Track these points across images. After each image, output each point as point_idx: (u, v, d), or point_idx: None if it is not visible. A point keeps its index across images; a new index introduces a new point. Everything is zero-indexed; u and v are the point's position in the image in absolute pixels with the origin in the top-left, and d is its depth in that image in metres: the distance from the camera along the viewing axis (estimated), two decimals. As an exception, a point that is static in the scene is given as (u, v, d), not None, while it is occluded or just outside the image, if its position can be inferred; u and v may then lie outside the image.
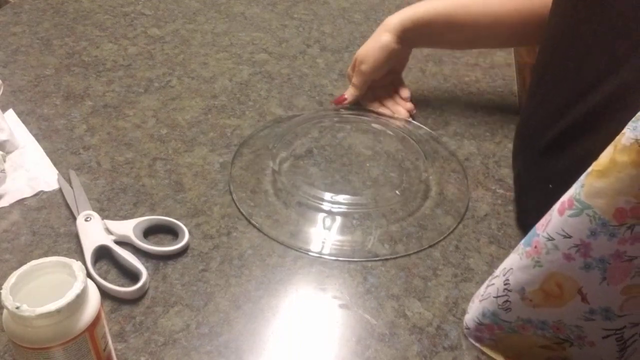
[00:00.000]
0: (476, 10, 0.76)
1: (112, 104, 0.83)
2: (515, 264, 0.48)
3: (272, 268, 0.60)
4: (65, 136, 0.76)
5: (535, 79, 0.66)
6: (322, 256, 0.61)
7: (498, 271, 0.51)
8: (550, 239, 0.43)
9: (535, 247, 0.45)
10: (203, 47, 0.97)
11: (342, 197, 0.66)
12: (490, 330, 0.51)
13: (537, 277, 0.46)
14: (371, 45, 0.78)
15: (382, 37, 0.77)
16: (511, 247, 0.63)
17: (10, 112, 0.79)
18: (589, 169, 0.41)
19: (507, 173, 0.74)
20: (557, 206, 0.44)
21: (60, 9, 1.05)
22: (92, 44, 0.96)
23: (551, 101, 0.62)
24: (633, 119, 0.38)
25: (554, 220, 0.43)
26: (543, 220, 0.45)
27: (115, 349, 0.50)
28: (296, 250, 0.62)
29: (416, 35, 0.78)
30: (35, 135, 0.75)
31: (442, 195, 0.70)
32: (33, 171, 0.70)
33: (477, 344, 0.53)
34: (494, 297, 0.50)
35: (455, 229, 0.65)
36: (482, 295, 0.52)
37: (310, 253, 0.62)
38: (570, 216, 0.42)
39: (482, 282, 0.59)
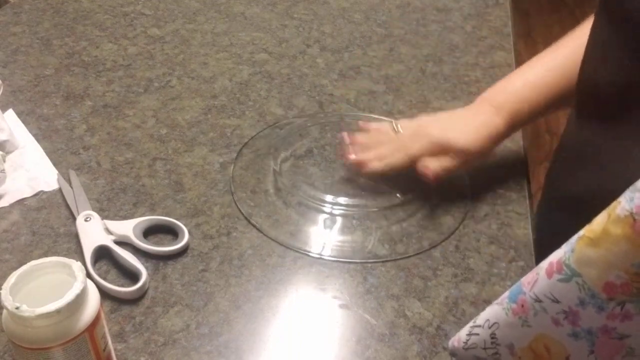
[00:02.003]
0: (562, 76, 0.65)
1: (112, 104, 0.83)
2: (501, 319, 0.46)
3: (272, 268, 0.60)
4: (65, 136, 0.76)
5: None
6: (323, 257, 0.61)
7: (480, 320, 0.48)
8: (538, 300, 0.42)
9: (522, 306, 0.43)
10: (203, 47, 0.97)
11: (342, 198, 0.66)
12: None
13: (526, 336, 0.44)
14: None
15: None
16: (511, 248, 0.63)
17: (10, 112, 0.79)
18: (581, 233, 0.39)
19: (507, 173, 0.74)
20: (544, 266, 0.42)
21: (60, 9, 1.05)
22: (92, 44, 0.96)
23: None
24: (630, 188, 0.36)
25: (541, 281, 0.42)
26: (529, 278, 0.44)
27: (115, 349, 0.50)
28: (296, 251, 0.62)
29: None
30: (35, 135, 0.75)
31: (442, 195, 0.70)
32: (33, 171, 0.70)
33: None
34: (481, 348, 0.48)
35: (456, 230, 0.65)
36: (467, 344, 0.50)
37: (310, 254, 0.62)
38: (559, 281, 0.40)
39: (482, 282, 0.59)
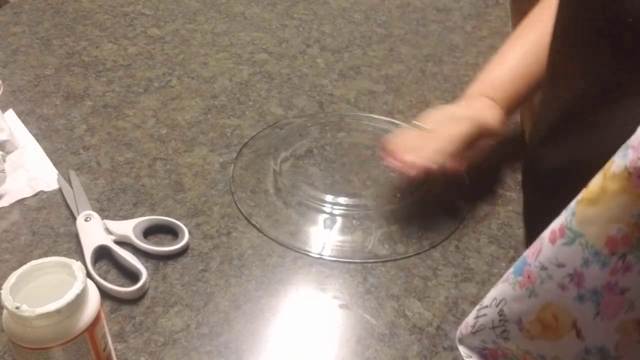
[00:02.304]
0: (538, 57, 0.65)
1: (112, 104, 0.83)
2: (508, 294, 0.47)
3: (272, 268, 0.60)
4: (65, 136, 0.76)
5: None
6: (323, 257, 0.61)
7: (487, 301, 0.49)
8: (544, 268, 0.43)
9: (529, 277, 0.44)
10: (203, 47, 0.97)
11: (342, 198, 0.66)
12: (494, 355, 0.51)
13: (533, 306, 0.45)
14: None
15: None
16: (511, 248, 0.63)
17: (10, 112, 0.79)
18: (580, 196, 0.40)
19: (507, 173, 0.74)
20: (547, 235, 0.43)
21: (60, 9, 1.05)
22: (92, 44, 0.96)
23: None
24: (621, 147, 0.37)
25: (545, 249, 0.43)
26: (532, 249, 0.45)
27: (115, 349, 0.50)
28: (296, 251, 0.62)
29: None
30: (35, 135, 0.75)
31: (442, 195, 0.70)
32: (33, 171, 0.70)
33: None
34: (489, 328, 0.49)
35: (456, 230, 0.65)
36: (474, 327, 0.51)
37: (310, 254, 0.62)
38: (563, 245, 0.41)
39: (482, 282, 0.59)
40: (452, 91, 0.89)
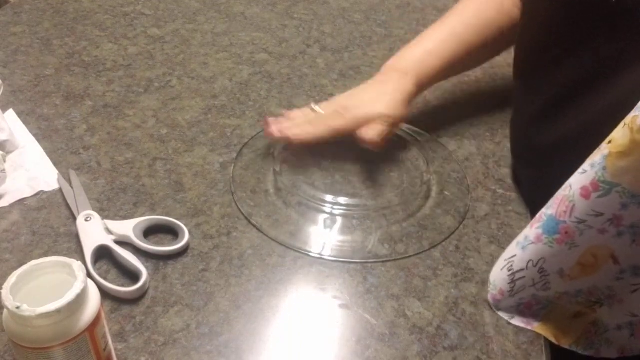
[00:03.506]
0: (457, 47, 0.74)
1: (112, 104, 0.83)
2: (546, 253, 0.50)
3: (272, 268, 0.60)
4: (65, 136, 0.76)
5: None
6: (323, 257, 0.62)
7: (519, 265, 0.53)
8: (582, 221, 0.46)
9: (566, 232, 0.48)
10: (203, 47, 0.97)
11: (342, 198, 0.66)
12: (529, 306, 0.54)
13: (574, 255, 0.49)
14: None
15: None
16: (511, 247, 0.63)
17: (10, 112, 0.79)
18: (606, 152, 0.43)
19: (507, 173, 0.74)
20: (576, 191, 0.46)
21: (60, 9, 1.05)
22: (92, 44, 0.96)
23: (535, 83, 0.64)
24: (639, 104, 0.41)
25: (579, 204, 0.46)
26: (562, 207, 0.48)
27: (115, 349, 0.50)
28: (296, 251, 0.62)
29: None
30: (35, 135, 0.75)
31: (442, 195, 0.70)
32: (33, 171, 0.70)
33: (524, 325, 0.55)
34: (530, 286, 0.53)
35: (456, 230, 0.65)
36: (513, 290, 0.54)
37: (310, 254, 0.62)
38: (599, 197, 0.45)
39: (482, 282, 0.59)
40: (452, 91, 0.89)
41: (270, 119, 0.70)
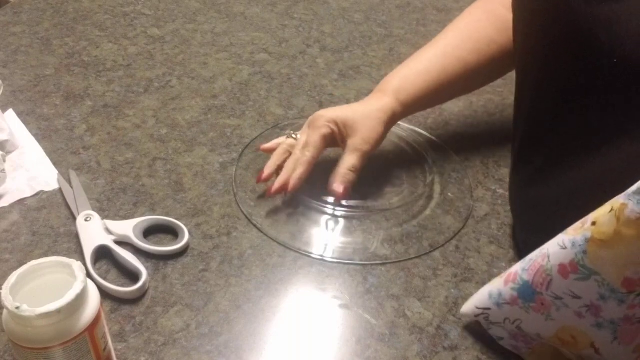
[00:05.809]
0: (453, 71, 0.71)
1: (112, 104, 0.83)
2: (522, 317, 0.48)
3: (273, 268, 0.60)
4: (65, 136, 0.76)
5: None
6: (324, 258, 0.61)
7: (498, 318, 0.51)
8: (558, 298, 0.44)
9: (542, 304, 0.46)
10: (203, 47, 0.97)
11: (344, 200, 0.66)
12: (526, 340, 0.52)
13: (552, 327, 0.47)
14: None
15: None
16: (511, 248, 0.63)
17: (10, 112, 0.79)
18: (588, 234, 0.41)
19: (507, 173, 0.74)
20: (555, 267, 0.44)
21: (60, 9, 1.06)
22: (92, 44, 0.96)
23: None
24: (634, 190, 0.38)
25: (557, 281, 0.44)
26: (538, 277, 0.46)
27: (115, 349, 0.50)
28: (296, 252, 0.62)
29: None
30: (35, 135, 0.75)
31: (443, 196, 0.70)
32: (33, 171, 0.70)
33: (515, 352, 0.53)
34: (508, 335, 0.52)
35: (460, 231, 0.65)
36: (490, 330, 0.53)
37: (311, 255, 0.62)
38: (577, 280, 0.42)
39: (482, 282, 0.59)
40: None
41: (269, 185, 0.66)
